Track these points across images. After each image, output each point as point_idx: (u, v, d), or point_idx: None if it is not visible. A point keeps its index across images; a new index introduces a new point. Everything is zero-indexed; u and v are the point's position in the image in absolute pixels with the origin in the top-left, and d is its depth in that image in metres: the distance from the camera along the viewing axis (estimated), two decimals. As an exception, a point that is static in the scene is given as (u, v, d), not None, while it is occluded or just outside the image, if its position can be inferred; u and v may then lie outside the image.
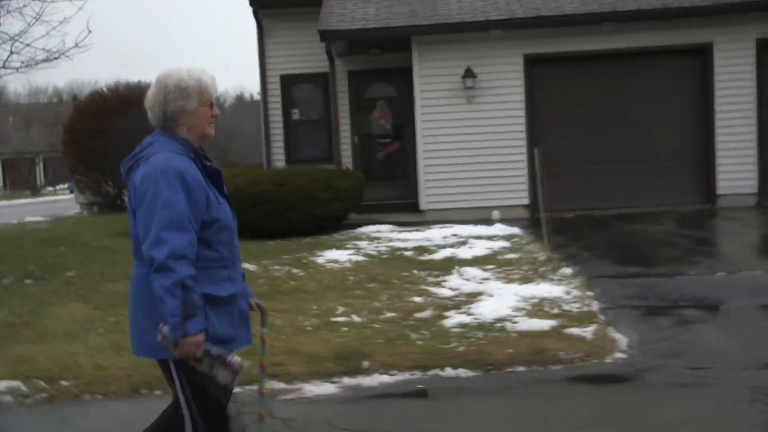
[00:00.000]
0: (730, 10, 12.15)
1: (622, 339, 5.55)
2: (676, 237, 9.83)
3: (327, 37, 12.48)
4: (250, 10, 14.27)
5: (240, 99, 61.44)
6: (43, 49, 9.99)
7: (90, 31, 10.04)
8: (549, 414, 4.23)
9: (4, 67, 10.22)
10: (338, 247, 9.62)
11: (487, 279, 7.47)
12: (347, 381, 4.96)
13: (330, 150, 14.13)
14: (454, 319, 6.09)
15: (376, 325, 6.01)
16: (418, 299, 6.75)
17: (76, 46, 9.92)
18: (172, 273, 2.53)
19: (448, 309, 6.40)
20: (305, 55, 14.26)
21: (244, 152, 33.93)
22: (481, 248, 9.10)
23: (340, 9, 13.09)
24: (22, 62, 10.15)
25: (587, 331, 5.69)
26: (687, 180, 12.81)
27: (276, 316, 6.36)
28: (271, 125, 14.53)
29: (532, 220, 12.38)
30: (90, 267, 8.99)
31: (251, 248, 9.91)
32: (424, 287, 7.22)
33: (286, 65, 14.55)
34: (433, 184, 12.79)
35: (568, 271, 7.79)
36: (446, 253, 8.86)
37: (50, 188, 50.80)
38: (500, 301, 6.54)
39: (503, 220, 11.91)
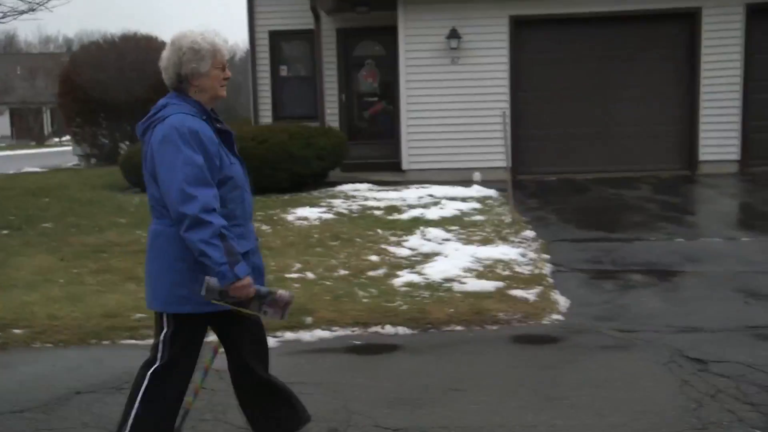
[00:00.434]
0: (720, -25, 12.04)
1: (563, 302, 5.70)
2: (648, 202, 9.92)
3: (312, -7, 12.45)
4: (239, -36, 14.20)
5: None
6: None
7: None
8: (471, 370, 4.38)
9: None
10: (312, 205, 9.75)
11: (447, 240, 7.60)
12: (289, 336, 5.13)
13: (317, 107, 14.17)
14: (405, 278, 6.24)
15: (328, 282, 6.17)
16: (374, 258, 6.90)
17: (54, -4, 9.92)
18: (209, 225, 2.63)
19: (401, 268, 6.55)
20: (294, 11, 14.21)
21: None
22: (450, 209, 9.21)
23: (328, -35, 13.01)
24: (4, 13, 10.18)
25: (531, 293, 5.84)
26: (670, 145, 12.83)
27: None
28: (258, 82, 14.57)
29: (513, 182, 12.46)
30: (67, 219, 9.16)
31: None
32: (384, 246, 7.36)
33: (275, 21, 14.52)
34: (415, 144, 12.85)
35: (530, 234, 7.92)
36: (415, 213, 8.98)
37: (56, 139, 50.91)
38: (454, 261, 6.67)
39: (484, 182, 12.00)
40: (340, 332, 5.19)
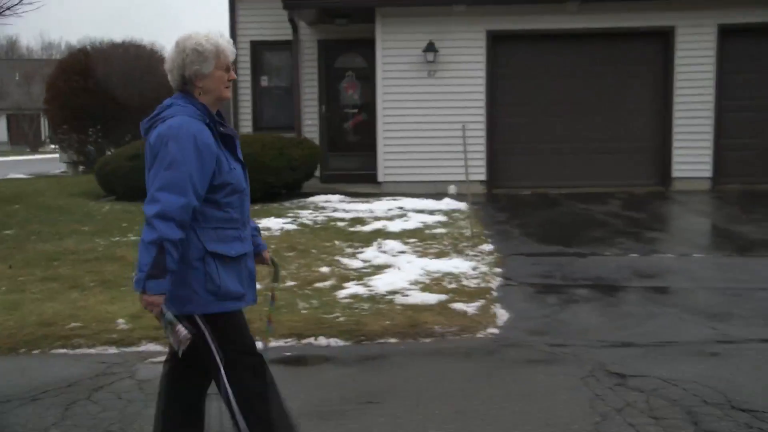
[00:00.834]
0: (693, -6, 12.14)
1: (502, 315, 5.73)
2: (614, 218, 9.95)
3: (290, 5, 12.53)
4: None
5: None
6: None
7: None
8: (392, 383, 4.41)
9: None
10: (278, 216, 9.79)
11: (403, 252, 7.63)
12: (222, 345, 5.14)
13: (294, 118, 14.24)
14: (350, 290, 6.26)
15: (272, 293, 6.18)
16: (325, 269, 6.92)
17: (20, 2, 10.01)
18: (154, 231, 2.65)
19: (349, 280, 6.57)
20: (276, 22, 14.28)
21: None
22: (415, 222, 9.25)
23: (307, -22, 13.10)
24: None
25: (472, 307, 5.86)
26: (645, 162, 12.89)
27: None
28: (239, 91, 14.63)
29: (487, 195, 12.52)
30: (30, 226, 9.21)
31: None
32: (338, 258, 7.39)
33: (257, 31, 14.62)
34: (391, 157, 12.90)
35: (487, 247, 7.94)
36: (378, 225, 9.02)
37: (52, 146, 50.99)
38: (403, 274, 6.70)
39: (459, 195, 12.03)
40: (274, 343, 5.17)
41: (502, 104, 12.88)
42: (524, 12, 12.50)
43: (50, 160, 33.00)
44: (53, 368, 4.69)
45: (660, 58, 12.62)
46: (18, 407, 4.09)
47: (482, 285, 6.49)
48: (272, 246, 7.96)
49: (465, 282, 6.56)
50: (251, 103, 14.73)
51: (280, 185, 11.55)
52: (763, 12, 12.17)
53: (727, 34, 12.29)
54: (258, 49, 14.71)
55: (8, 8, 9.97)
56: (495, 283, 6.61)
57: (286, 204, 11.12)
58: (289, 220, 9.48)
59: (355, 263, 7.20)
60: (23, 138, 50.99)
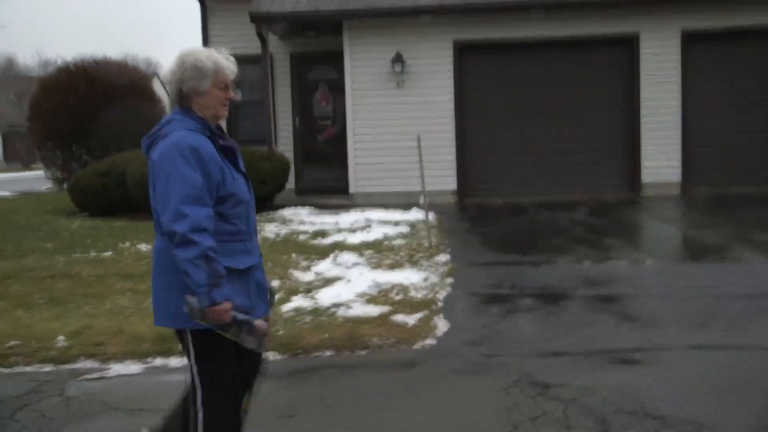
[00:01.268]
0: (656, 1, 12.23)
1: (443, 326, 5.76)
2: (577, 225, 10.01)
3: (257, 19, 12.61)
4: (192, -9, 14.39)
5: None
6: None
7: None
8: (315, 396, 4.44)
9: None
10: (242, 230, 9.81)
11: (357, 264, 7.68)
12: (158, 362, 5.19)
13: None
14: (295, 303, 6.31)
15: (218, 308, 6.22)
16: (275, 283, 6.96)
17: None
18: (196, 245, 2.65)
19: (296, 293, 6.62)
20: (249, 36, 14.28)
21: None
22: (377, 233, 9.30)
23: (275, -8, 13.19)
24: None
25: (413, 318, 5.90)
26: (615, 168, 12.97)
27: (129, 297, 6.63)
28: (213, 106, 14.67)
29: (457, 205, 12.58)
30: (-6, 244, 9.25)
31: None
32: (291, 271, 7.44)
33: (230, 45, 14.51)
34: (362, 168, 12.97)
35: (443, 258, 7.99)
36: (339, 237, 9.07)
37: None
38: (352, 286, 6.74)
39: (430, 205, 12.06)
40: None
41: (471, 113, 12.97)
42: (490, 21, 12.60)
43: (41, 177, 33.03)
44: (-19, 388, 4.73)
45: (626, 65, 12.72)
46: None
47: (429, 296, 6.53)
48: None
49: (413, 293, 6.60)
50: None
51: (249, 199, 11.57)
52: (725, 17, 12.28)
53: (690, 39, 12.39)
54: (231, 63, 14.75)
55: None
56: (442, 294, 6.65)
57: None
58: (252, 233, 9.51)
59: (307, 276, 7.25)
60: (17, 155, 51.11)
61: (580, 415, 3.97)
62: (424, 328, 5.71)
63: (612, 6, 12.32)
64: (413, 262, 7.78)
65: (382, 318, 5.90)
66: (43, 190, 22.48)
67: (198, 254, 2.65)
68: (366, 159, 12.92)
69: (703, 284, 6.72)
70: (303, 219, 10.83)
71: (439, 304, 6.33)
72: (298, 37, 14.06)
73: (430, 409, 4.18)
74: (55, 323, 5.82)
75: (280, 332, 5.60)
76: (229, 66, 2.92)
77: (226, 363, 2.96)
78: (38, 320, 5.93)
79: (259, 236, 9.44)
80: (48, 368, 5.10)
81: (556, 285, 6.87)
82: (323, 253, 8.22)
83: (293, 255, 8.18)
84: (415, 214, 10.98)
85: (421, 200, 12.44)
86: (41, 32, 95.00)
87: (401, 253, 8.20)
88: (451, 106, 12.84)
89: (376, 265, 7.66)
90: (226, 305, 2.71)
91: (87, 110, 19.67)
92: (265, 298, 3.04)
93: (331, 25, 12.97)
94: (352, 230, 9.60)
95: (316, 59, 14.64)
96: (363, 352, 5.28)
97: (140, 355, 5.26)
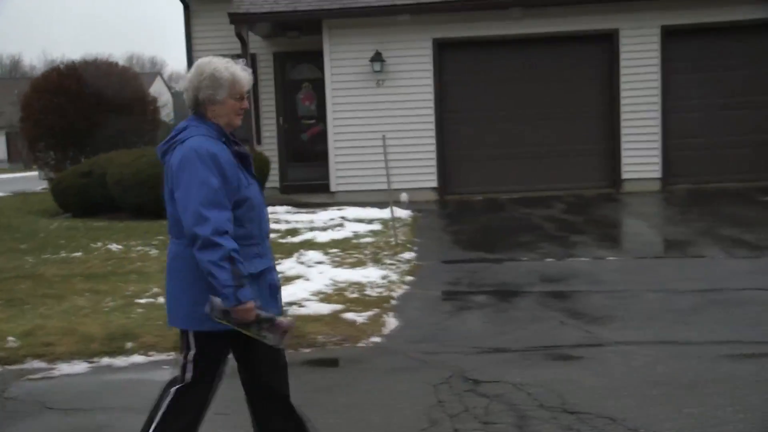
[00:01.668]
0: (635, -3, 12.23)
1: (391, 324, 5.81)
2: (550, 222, 10.02)
3: (236, 20, 12.65)
4: (174, -8, 14.43)
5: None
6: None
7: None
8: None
9: None
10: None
11: (320, 263, 7.71)
12: (105, 361, 5.24)
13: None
14: (249, 302, 6.34)
15: (172, 307, 6.27)
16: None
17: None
18: (219, 248, 2.72)
19: (253, 292, 6.65)
20: (233, 36, 14.40)
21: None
22: (347, 231, 9.35)
23: (255, -8, 13.23)
24: None
25: (363, 316, 5.93)
26: (595, 164, 12.96)
27: (88, 297, 6.68)
28: (197, 106, 14.73)
29: (437, 203, 12.61)
30: (-32, 245, 9.32)
31: (140, 228, 10.24)
32: (253, 270, 7.46)
33: (214, 46, 14.63)
34: (343, 166, 13.01)
35: (408, 255, 8.03)
36: (309, 235, 9.11)
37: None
38: (309, 285, 6.79)
39: (412, 203, 12.08)
40: (156, 357, 5.30)
41: (451, 111, 12.98)
42: (469, 19, 12.61)
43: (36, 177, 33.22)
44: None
45: (605, 61, 12.71)
46: None
47: (384, 294, 6.57)
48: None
49: (368, 291, 6.64)
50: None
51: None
52: (706, 13, 12.26)
53: (670, 35, 12.37)
54: (215, 63, 14.80)
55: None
56: (399, 291, 6.69)
57: (233, 217, 11.19)
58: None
59: (267, 275, 7.28)
60: (20, 155, 51.37)
61: (502, 411, 4.01)
62: (372, 326, 5.74)
63: (591, 2, 12.30)
64: (376, 260, 7.81)
65: (333, 316, 5.94)
66: (38, 191, 22.59)
67: (222, 256, 2.72)
68: (346, 157, 12.95)
69: (660, 280, 6.74)
70: (279, 218, 10.86)
71: (393, 302, 6.37)
72: (281, 37, 14.09)
73: (364, 406, 4.22)
74: (7, 324, 5.87)
75: (229, 331, 5.64)
76: (246, 77, 2.98)
77: (219, 365, 3.09)
78: (-8, 321, 5.98)
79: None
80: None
81: (512, 282, 6.90)
82: (289, 251, 8.25)
83: (259, 254, 8.21)
84: (393, 212, 10.98)
85: (403, 197, 12.49)
86: (47, 32, 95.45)
87: (366, 251, 8.23)
88: (431, 104, 12.85)
89: (339, 264, 7.69)
90: (251, 304, 2.80)
91: (77, 111, 19.78)
92: (278, 298, 3.11)
93: (312, 24, 13.00)
94: (324, 229, 9.64)
95: (300, 59, 14.68)
96: (307, 350, 5.31)
97: (88, 355, 5.31)
